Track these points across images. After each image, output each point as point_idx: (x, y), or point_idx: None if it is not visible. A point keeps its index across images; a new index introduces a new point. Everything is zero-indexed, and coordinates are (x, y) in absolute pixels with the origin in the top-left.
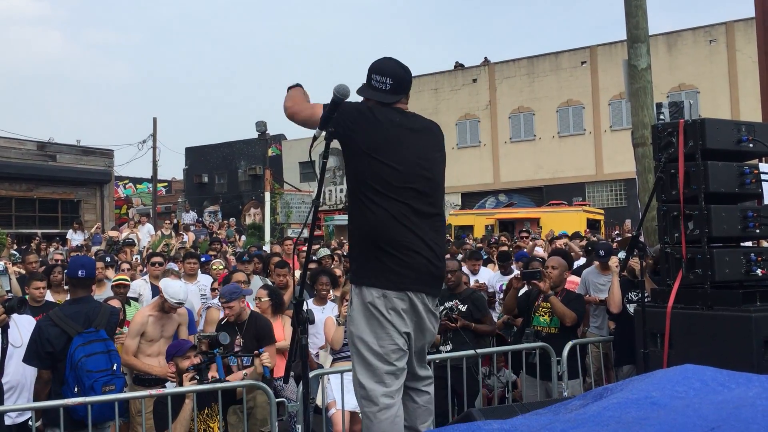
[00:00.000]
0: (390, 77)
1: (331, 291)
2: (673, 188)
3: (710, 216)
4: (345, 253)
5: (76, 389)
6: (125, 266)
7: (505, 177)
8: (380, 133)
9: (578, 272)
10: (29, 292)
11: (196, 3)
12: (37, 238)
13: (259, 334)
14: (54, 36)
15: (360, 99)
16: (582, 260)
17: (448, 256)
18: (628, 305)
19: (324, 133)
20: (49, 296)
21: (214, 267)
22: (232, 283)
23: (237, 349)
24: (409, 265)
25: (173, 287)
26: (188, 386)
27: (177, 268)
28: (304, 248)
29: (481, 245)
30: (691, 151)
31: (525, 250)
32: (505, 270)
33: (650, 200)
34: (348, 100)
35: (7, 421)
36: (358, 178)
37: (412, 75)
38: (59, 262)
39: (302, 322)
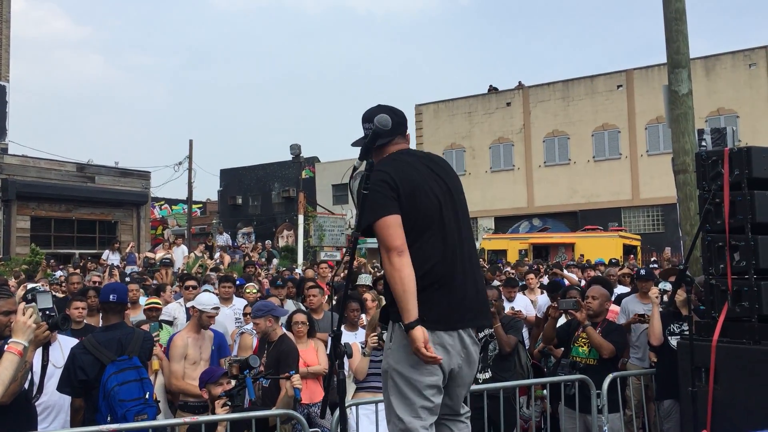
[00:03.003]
0: (369, 122)
1: (363, 316)
2: (719, 218)
3: (757, 247)
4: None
5: (108, 418)
6: (168, 289)
7: (539, 201)
8: (407, 181)
9: (618, 301)
10: (69, 313)
11: (233, 27)
12: (74, 260)
13: (280, 359)
14: (95, 59)
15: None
16: (622, 288)
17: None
18: (670, 337)
19: (364, 164)
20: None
21: (248, 290)
22: (266, 300)
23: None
24: (459, 302)
25: (202, 297)
26: (221, 413)
27: (213, 290)
28: (344, 274)
29: (513, 271)
30: (737, 180)
31: (562, 278)
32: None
33: (699, 232)
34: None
35: None
36: None
37: (446, 99)
38: (96, 284)
39: (339, 356)
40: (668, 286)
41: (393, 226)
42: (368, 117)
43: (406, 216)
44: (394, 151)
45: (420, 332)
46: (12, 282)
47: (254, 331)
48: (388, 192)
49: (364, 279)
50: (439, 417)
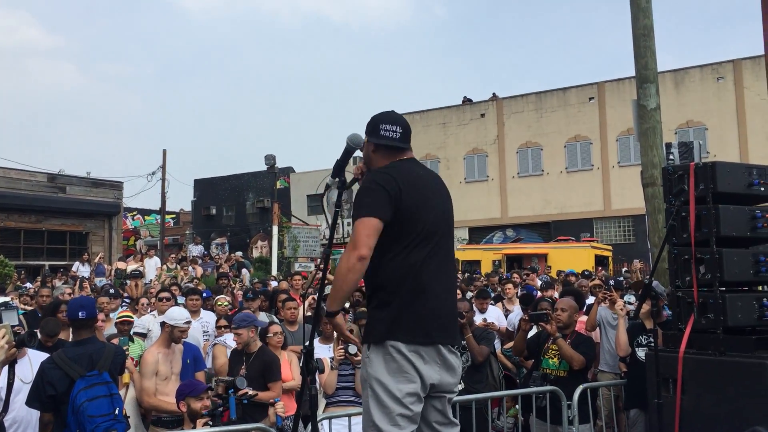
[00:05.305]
0: (399, 126)
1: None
2: (684, 231)
3: (722, 260)
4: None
5: None
6: (144, 301)
7: (513, 212)
8: (413, 192)
9: (589, 311)
10: (41, 335)
11: (207, 37)
12: (44, 271)
13: (265, 370)
14: (67, 68)
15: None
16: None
17: (459, 295)
18: (637, 349)
19: (337, 181)
20: None
21: (219, 303)
22: (247, 311)
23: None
24: (438, 318)
25: (173, 311)
26: (199, 429)
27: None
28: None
29: (486, 282)
30: (702, 194)
31: (534, 287)
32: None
33: (663, 247)
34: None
35: None
36: (389, 235)
37: (421, 110)
38: (70, 295)
39: (312, 371)
40: (632, 299)
41: (371, 229)
42: (390, 119)
43: (405, 225)
44: (402, 158)
45: (341, 319)
46: None
47: (226, 343)
48: (384, 194)
49: None
50: (434, 425)
